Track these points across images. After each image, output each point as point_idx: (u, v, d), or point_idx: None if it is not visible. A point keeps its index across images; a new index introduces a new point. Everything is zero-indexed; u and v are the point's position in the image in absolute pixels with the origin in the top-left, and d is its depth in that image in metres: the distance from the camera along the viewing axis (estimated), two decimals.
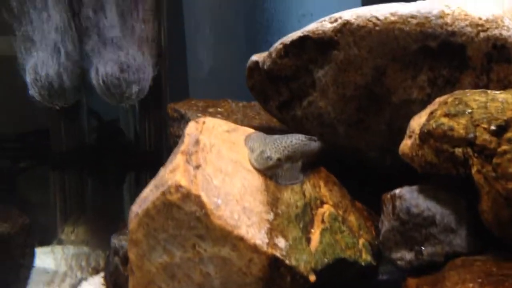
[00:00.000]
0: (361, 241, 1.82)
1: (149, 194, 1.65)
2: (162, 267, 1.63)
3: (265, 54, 2.11)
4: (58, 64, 2.70)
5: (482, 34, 1.74)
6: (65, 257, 2.62)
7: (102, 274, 2.54)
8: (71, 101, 2.77)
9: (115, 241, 2.20)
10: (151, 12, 2.85)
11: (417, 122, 1.77)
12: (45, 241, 2.86)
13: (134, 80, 2.68)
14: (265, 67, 2.06)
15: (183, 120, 2.39)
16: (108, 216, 2.88)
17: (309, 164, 1.90)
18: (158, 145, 2.94)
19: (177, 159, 1.63)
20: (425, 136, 1.63)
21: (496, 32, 1.73)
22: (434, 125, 1.61)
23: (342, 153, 2.07)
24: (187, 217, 1.55)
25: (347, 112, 1.95)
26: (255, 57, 2.15)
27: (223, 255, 1.56)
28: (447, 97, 1.69)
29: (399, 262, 1.76)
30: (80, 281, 2.53)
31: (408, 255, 1.73)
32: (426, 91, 1.84)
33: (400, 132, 1.94)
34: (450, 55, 1.78)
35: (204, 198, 1.54)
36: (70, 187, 2.95)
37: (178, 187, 1.54)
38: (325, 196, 1.87)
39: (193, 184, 1.56)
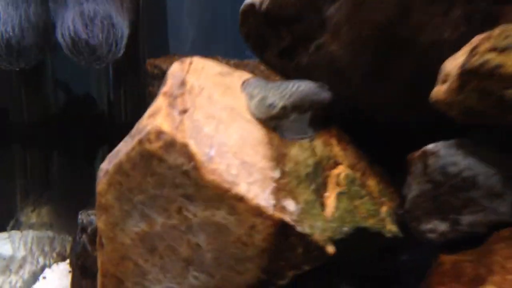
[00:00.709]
0: (384, 208, 1.53)
1: (122, 145, 1.34)
2: (139, 237, 1.32)
3: None
4: (16, 17, 2.35)
5: None
6: (25, 241, 2.28)
7: (68, 260, 2.20)
8: (32, 62, 2.43)
9: (82, 217, 1.89)
10: None
11: (453, 64, 1.48)
12: (4, 225, 2.50)
13: (107, 37, 2.35)
14: (262, 8, 1.76)
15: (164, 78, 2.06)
16: (76, 195, 2.54)
17: (318, 117, 1.60)
18: (136, 114, 2.60)
19: (157, 102, 1.32)
20: (467, 76, 1.35)
21: None
22: (478, 62, 1.33)
23: (356, 109, 1.77)
24: (171, 172, 1.24)
25: (363, 57, 1.66)
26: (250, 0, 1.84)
27: (217, 221, 1.26)
28: (491, 32, 1.41)
29: (429, 235, 1.49)
30: (42, 268, 2.19)
31: (442, 226, 1.47)
32: (461, 30, 1.55)
33: (427, 81, 1.65)
34: None
35: (193, 147, 1.23)
36: (32, 162, 2.60)
37: (159, 133, 1.23)
38: (339, 156, 1.57)
39: (178, 131, 1.24)
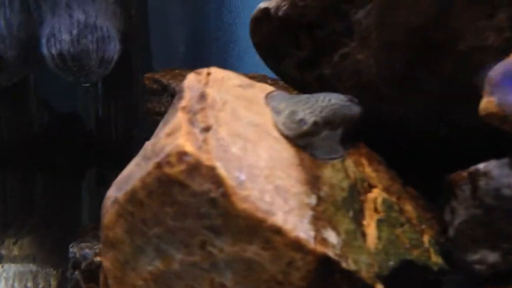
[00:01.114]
0: (426, 237, 1.37)
1: (134, 170, 1.15)
2: (152, 278, 1.13)
3: (277, 0, 1.65)
4: None
5: None
6: (6, 276, 2.06)
7: None
8: (14, 78, 2.24)
9: (74, 250, 1.68)
10: None
11: None
12: None
13: (97, 50, 2.17)
14: (279, 13, 1.60)
15: (166, 92, 1.90)
16: (62, 223, 2.33)
17: (349, 134, 1.44)
18: (129, 133, 2.42)
19: (176, 118, 1.14)
20: None
21: None
22: None
23: (384, 123, 1.62)
24: (196, 200, 1.06)
25: (394, 66, 1.51)
26: (264, 4, 1.69)
27: (248, 257, 1.08)
28: None
29: (477, 266, 1.35)
30: None
31: (492, 256, 1.32)
32: (505, 35, 1.42)
33: (465, 92, 1.50)
34: None
35: (221, 170, 1.05)
36: (12, 187, 2.38)
37: (181, 154, 1.05)
38: (372, 178, 1.41)
39: (203, 151, 1.07)
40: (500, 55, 1.40)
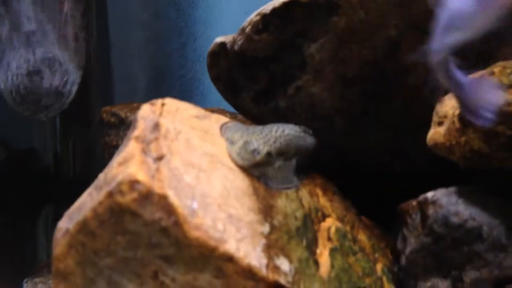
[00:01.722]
0: (379, 266, 1.40)
1: (86, 200, 1.16)
2: None
3: (233, 35, 1.70)
4: None
5: None
6: None
7: None
8: None
9: (28, 286, 1.65)
10: (80, 5, 2.38)
11: (449, 104, 1.40)
12: None
13: (56, 85, 2.18)
14: (235, 47, 1.65)
15: (123, 126, 1.91)
16: (16, 260, 2.28)
17: (303, 165, 1.47)
18: (86, 169, 2.40)
19: (129, 147, 1.16)
20: None
21: None
22: None
23: (339, 155, 1.66)
24: (147, 229, 1.07)
25: (349, 100, 1.57)
26: (220, 39, 1.73)
27: (201, 286, 1.10)
28: (491, 68, 1.35)
29: None
30: None
31: (443, 284, 1.38)
32: None
33: (417, 125, 1.57)
34: None
35: (174, 199, 1.07)
36: None
37: (133, 183, 1.06)
38: (326, 208, 1.45)
39: (155, 180, 1.09)
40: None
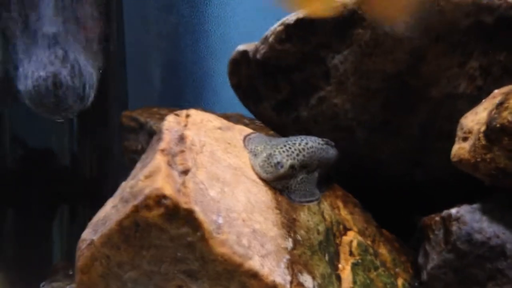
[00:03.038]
0: (400, 281, 1.40)
1: (111, 212, 1.16)
2: None
3: (255, 43, 1.70)
4: None
5: None
6: None
7: None
8: None
9: None
10: (99, 7, 2.38)
11: (473, 119, 1.39)
12: None
13: (74, 87, 2.18)
14: (257, 56, 1.64)
15: (143, 131, 1.91)
16: (32, 261, 2.29)
17: (324, 177, 1.47)
18: (103, 171, 2.41)
19: (155, 160, 1.16)
20: (497, 133, 1.26)
21: None
22: (510, 118, 1.24)
23: (361, 166, 1.66)
24: (173, 244, 1.07)
25: (371, 111, 1.56)
26: (242, 47, 1.73)
27: None
28: None
29: None
30: None
31: None
32: (477, 83, 1.48)
33: (439, 138, 1.56)
34: (509, 34, 1.43)
35: (200, 214, 1.07)
36: None
37: (160, 197, 1.06)
38: (347, 221, 1.44)
39: (181, 195, 1.09)
40: (472, 103, 1.47)
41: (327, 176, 1.53)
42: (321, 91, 1.60)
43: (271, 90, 1.68)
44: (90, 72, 2.26)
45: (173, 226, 1.07)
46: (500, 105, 1.30)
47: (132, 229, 1.08)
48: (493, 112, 1.31)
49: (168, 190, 1.08)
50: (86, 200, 2.34)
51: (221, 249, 1.07)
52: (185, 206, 1.08)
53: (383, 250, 1.46)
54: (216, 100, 3.04)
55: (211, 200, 1.13)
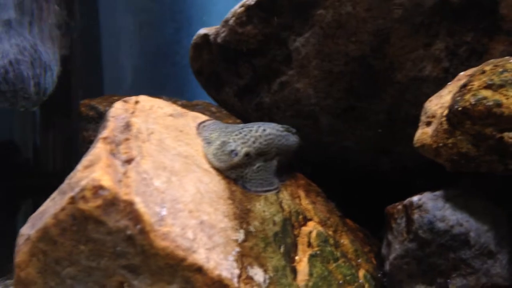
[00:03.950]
0: (361, 272, 1.36)
1: (49, 205, 1.11)
2: None
3: (216, 26, 1.65)
4: None
5: None
6: None
7: None
8: None
9: None
10: None
11: (437, 103, 1.35)
12: None
13: (34, 76, 2.12)
14: (218, 40, 1.59)
15: (102, 120, 1.84)
16: None
17: (285, 165, 1.42)
18: (67, 163, 2.35)
19: (95, 150, 1.10)
20: (459, 117, 1.21)
21: None
22: (472, 101, 1.19)
23: (324, 154, 1.61)
24: (112, 238, 1.02)
25: (334, 96, 1.51)
26: (203, 30, 1.68)
27: None
28: (482, 67, 1.29)
29: None
30: None
31: None
32: (443, 65, 1.43)
33: (406, 123, 1.52)
34: (477, 14, 1.38)
35: (140, 205, 1.02)
36: None
37: (97, 188, 1.01)
38: (309, 210, 1.40)
39: (122, 186, 1.03)
40: (439, 86, 1.42)
41: (289, 164, 1.48)
42: (283, 76, 1.55)
43: (232, 75, 1.63)
44: (51, 60, 2.19)
45: (112, 218, 1.02)
46: (463, 87, 1.26)
47: (69, 222, 1.03)
48: (456, 95, 1.27)
49: (107, 181, 1.03)
50: (50, 194, 2.27)
51: (163, 243, 1.02)
52: (125, 197, 1.02)
53: (345, 241, 1.41)
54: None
55: (155, 191, 1.08)
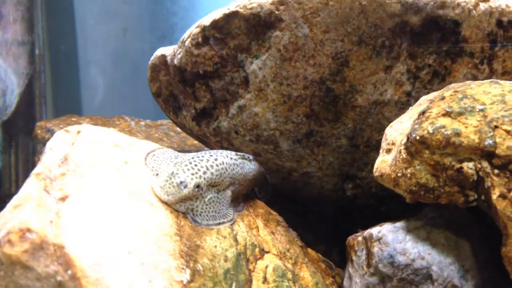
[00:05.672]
0: None
1: None
2: None
3: (173, 46, 1.59)
4: None
5: (482, 6, 1.31)
6: None
7: None
8: None
9: None
10: (20, 9, 2.24)
11: (398, 129, 1.30)
12: None
13: None
14: (175, 61, 1.53)
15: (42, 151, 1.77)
16: None
17: (241, 194, 1.36)
18: None
19: (27, 187, 1.03)
20: (417, 146, 1.16)
21: (502, 3, 1.31)
22: (430, 129, 1.14)
23: (289, 180, 1.55)
24: (41, 285, 0.96)
25: (294, 121, 1.45)
26: (161, 51, 1.62)
27: None
28: (442, 92, 1.25)
29: None
30: None
31: None
32: (405, 88, 1.38)
33: (369, 148, 1.46)
34: (439, 36, 1.33)
35: (72, 249, 0.95)
36: None
37: (24, 231, 0.94)
38: (266, 242, 1.34)
39: (53, 227, 0.97)
40: (402, 110, 1.37)
41: (247, 193, 1.42)
42: (241, 99, 1.48)
43: (190, 98, 1.57)
44: (11, 78, 2.12)
45: (41, 263, 0.95)
46: (422, 114, 1.20)
47: None
48: (415, 122, 1.22)
49: (35, 223, 0.96)
50: None
51: None
52: (55, 240, 0.96)
53: (305, 273, 1.35)
54: None
55: (91, 231, 1.01)
